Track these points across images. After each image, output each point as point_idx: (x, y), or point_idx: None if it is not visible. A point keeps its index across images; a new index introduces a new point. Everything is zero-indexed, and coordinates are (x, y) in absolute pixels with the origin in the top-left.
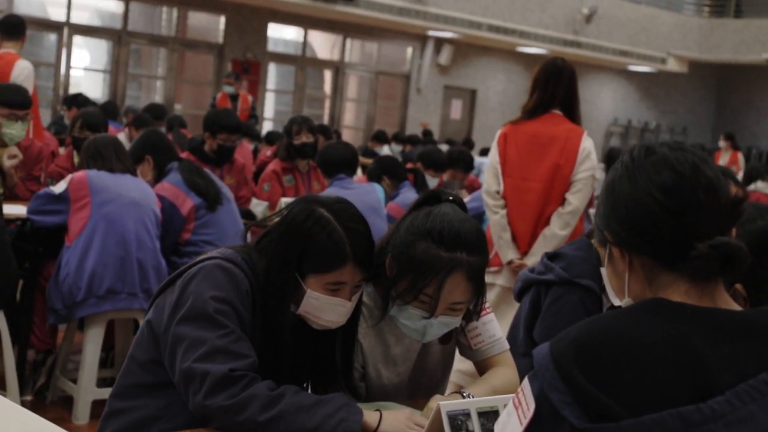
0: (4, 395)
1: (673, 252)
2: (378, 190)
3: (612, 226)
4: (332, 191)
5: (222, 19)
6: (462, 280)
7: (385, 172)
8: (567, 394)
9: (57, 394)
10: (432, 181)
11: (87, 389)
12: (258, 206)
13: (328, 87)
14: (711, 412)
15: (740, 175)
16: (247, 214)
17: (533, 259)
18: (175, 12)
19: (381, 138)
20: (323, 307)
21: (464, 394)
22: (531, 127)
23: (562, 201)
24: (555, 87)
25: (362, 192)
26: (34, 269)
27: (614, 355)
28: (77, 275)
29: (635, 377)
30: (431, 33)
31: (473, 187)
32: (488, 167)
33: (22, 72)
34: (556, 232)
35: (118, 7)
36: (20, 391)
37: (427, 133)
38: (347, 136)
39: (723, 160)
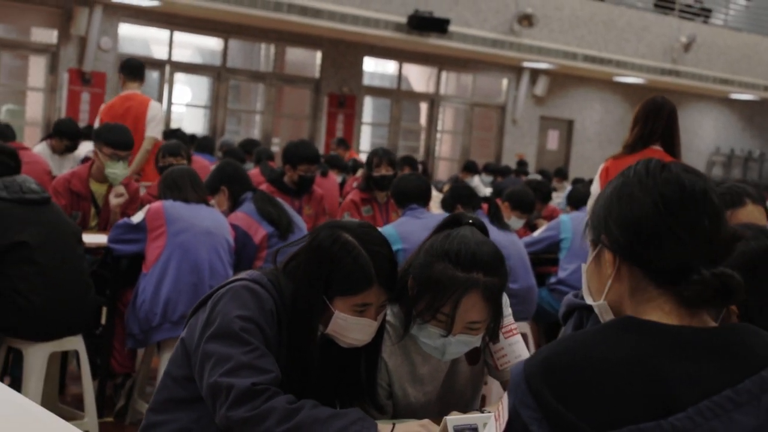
0: (83, 417)
1: (668, 271)
2: None
3: (611, 229)
4: (404, 221)
5: (318, 54)
6: (478, 299)
7: (460, 201)
8: (537, 410)
9: (135, 416)
10: (518, 222)
11: None
12: None
13: (423, 119)
14: (671, 429)
15: None
16: None
17: None
18: (273, 48)
19: (471, 168)
20: (350, 327)
21: (483, 412)
22: (631, 161)
23: None
24: (654, 123)
25: (433, 221)
26: (114, 296)
27: (581, 374)
28: (153, 301)
29: (600, 395)
30: (526, 64)
31: (552, 216)
32: (592, 199)
33: (157, 112)
34: None
35: (217, 45)
36: (101, 413)
37: (521, 164)
38: (443, 167)
39: None
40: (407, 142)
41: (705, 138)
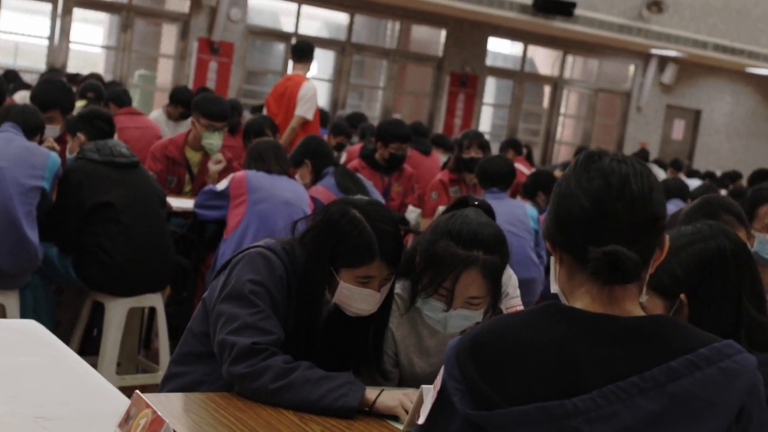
0: (157, 369)
1: (582, 254)
2: (527, 207)
3: (548, 221)
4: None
5: (443, 33)
6: (477, 276)
7: (541, 187)
8: (461, 382)
9: None
10: None
11: None
12: (412, 213)
13: (545, 102)
14: (573, 408)
15: None
16: (402, 220)
17: None
18: (398, 25)
19: None
20: (354, 296)
21: None
22: None
23: None
24: None
25: (511, 205)
26: (199, 258)
27: (502, 353)
28: None
29: (517, 373)
30: (654, 51)
31: None
32: None
33: (307, 92)
34: None
35: (344, 19)
36: None
37: (641, 153)
38: (564, 152)
39: None
40: (527, 125)
41: None
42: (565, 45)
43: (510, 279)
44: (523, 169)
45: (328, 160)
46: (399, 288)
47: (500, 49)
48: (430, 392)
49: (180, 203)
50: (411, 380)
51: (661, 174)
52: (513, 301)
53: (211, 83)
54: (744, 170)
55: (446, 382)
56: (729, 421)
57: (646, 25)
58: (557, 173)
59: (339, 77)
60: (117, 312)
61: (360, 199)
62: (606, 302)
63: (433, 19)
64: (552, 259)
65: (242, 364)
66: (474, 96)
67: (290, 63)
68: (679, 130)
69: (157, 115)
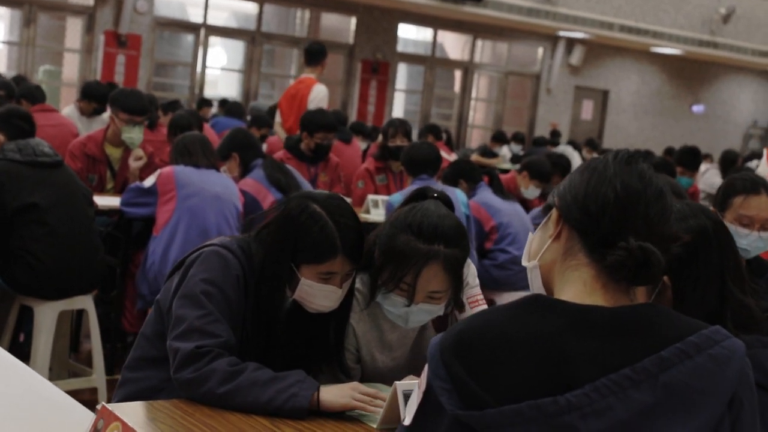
0: (91, 373)
1: (601, 239)
2: (457, 192)
3: (565, 195)
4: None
5: (353, 20)
6: (439, 270)
7: (461, 176)
8: (447, 381)
9: None
10: (535, 191)
11: None
12: None
13: (457, 87)
14: (567, 404)
15: None
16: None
17: None
18: (307, 13)
19: (500, 138)
20: (316, 293)
21: None
22: None
23: None
24: None
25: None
26: (126, 257)
27: (489, 349)
28: (162, 264)
29: (505, 370)
30: (562, 33)
31: None
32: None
33: (318, 94)
34: None
35: (253, 9)
36: (112, 370)
37: (554, 134)
38: (476, 135)
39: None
40: (440, 110)
41: (743, 111)
42: (475, 29)
43: (469, 268)
44: (444, 154)
45: (255, 153)
46: (359, 282)
47: (411, 35)
48: (414, 391)
49: (104, 201)
50: (373, 375)
51: (575, 156)
52: (473, 290)
53: (119, 77)
54: (652, 147)
55: (432, 381)
56: (722, 409)
57: (553, 7)
58: (474, 158)
59: (250, 67)
60: (47, 316)
61: (320, 193)
62: (598, 290)
63: (343, 6)
64: (537, 232)
65: (187, 370)
66: (386, 82)
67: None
68: (588, 110)
69: (69, 111)
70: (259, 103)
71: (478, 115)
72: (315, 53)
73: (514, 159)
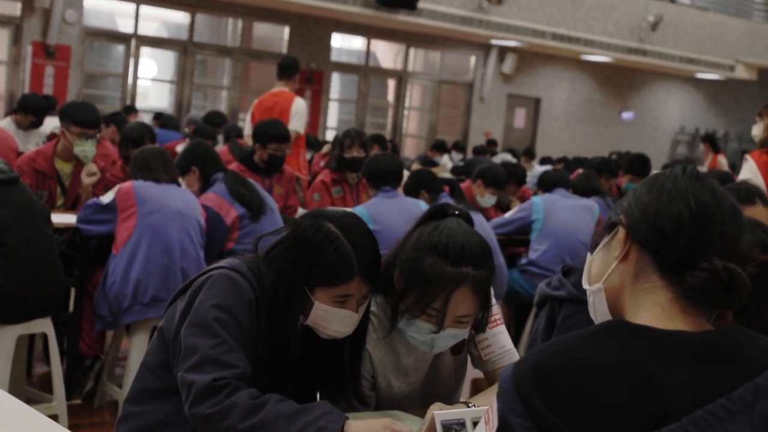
0: (52, 399)
1: (677, 260)
2: (421, 204)
3: (633, 213)
4: (376, 202)
5: (286, 30)
6: (468, 293)
7: (423, 186)
8: (526, 418)
9: (104, 398)
10: (491, 199)
11: None
12: None
13: (391, 96)
14: None
15: None
16: None
17: None
18: (240, 23)
19: (440, 147)
20: (331, 318)
21: (469, 405)
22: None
23: None
24: None
25: (407, 203)
26: (83, 277)
27: (571, 381)
28: (123, 283)
29: (591, 403)
30: (494, 42)
31: (523, 197)
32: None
33: (300, 108)
34: None
35: (184, 19)
36: (69, 395)
37: (491, 143)
38: (410, 144)
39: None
40: (375, 119)
41: (670, 117)
42: (408, 38)
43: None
44: None
45: (216, 166)
46: (373, 305)
47: (344, 44)
48: (481, 426)
49: (58, 218)
50: (389, 402)
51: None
52: (493, 309)
53: (48, 89)
54: (583, 154)
55: (506, 417)
56: None
57: (486, 16)
58: (415, 167)
59: (182, 78)
60: (5, 340)
61: (334, 211)
62: (677, 314)
63: (276, 15)
64: (594, 252)
65: (205, 404)
66: (320, 92)
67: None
68: (520, 118)
69: (5, 124)
70: (196, 115)
71: (411, 124)
72: (287, 67)
73: (455, 169)
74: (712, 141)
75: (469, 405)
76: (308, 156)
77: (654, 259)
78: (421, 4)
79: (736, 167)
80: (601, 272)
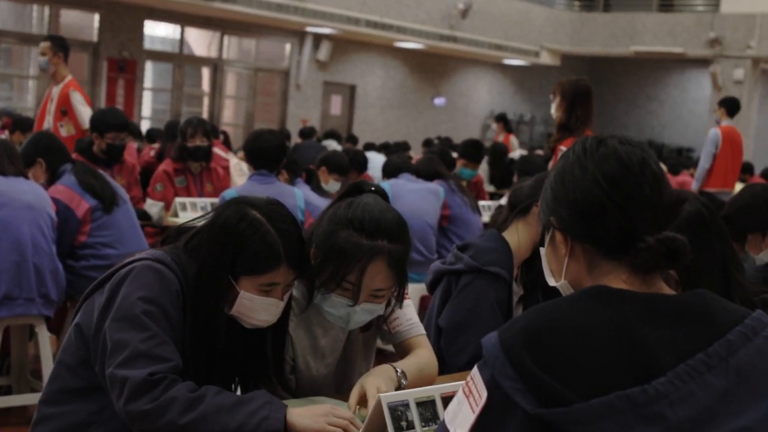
0: None
1: (616, 243)
2: (295, 190)
3: (559, 212)
4: (248, 186)
5: (96, 17)
6: (383, 267)
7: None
8: (518, 381)
9: None
10: (335, 185)
11: None
12: (153, 207)
13: (206, 84)
14: (655, 393)
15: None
16: (143, 215)
17: None
18: (46, 10)
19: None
20: (256, 307)
21: (396, 369)
22: None
23: None
24: (586, 106)
25: (278, 189)
26: None
27: (562, 342)
28: None
29: (582, 362)
30: (310, 29)
31: None
32: None
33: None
34: None
35: None
36: None
37: (309, 130)
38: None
39: None
40: (191, 108)
41: (480, 102)
42: (223, 26)
43: None
44: (221, 153)
45: (63, 157)
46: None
47: (158, 32)
48: (457, 402)
49: None
50: (309, 385)
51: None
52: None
53: None
54: (398, 139)
55: (498, 382)
56: None
57: (302, 3)
58: (240, 155)
59: None
60: None
61: (257, 198)
62: (639, 284)
63: (84, 2)
64: (547, 252)
65: (142, 400)
66: (134, 81)
67: None
68: (336, 105)
69: None
70: (8, 107)
71: (227, 112)
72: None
73: None
74: (504, 121)
75: (396, 369)
76: (135, 145)
77: (596, 249)
78: None
79: (543, 150)
80: (559, 268)
